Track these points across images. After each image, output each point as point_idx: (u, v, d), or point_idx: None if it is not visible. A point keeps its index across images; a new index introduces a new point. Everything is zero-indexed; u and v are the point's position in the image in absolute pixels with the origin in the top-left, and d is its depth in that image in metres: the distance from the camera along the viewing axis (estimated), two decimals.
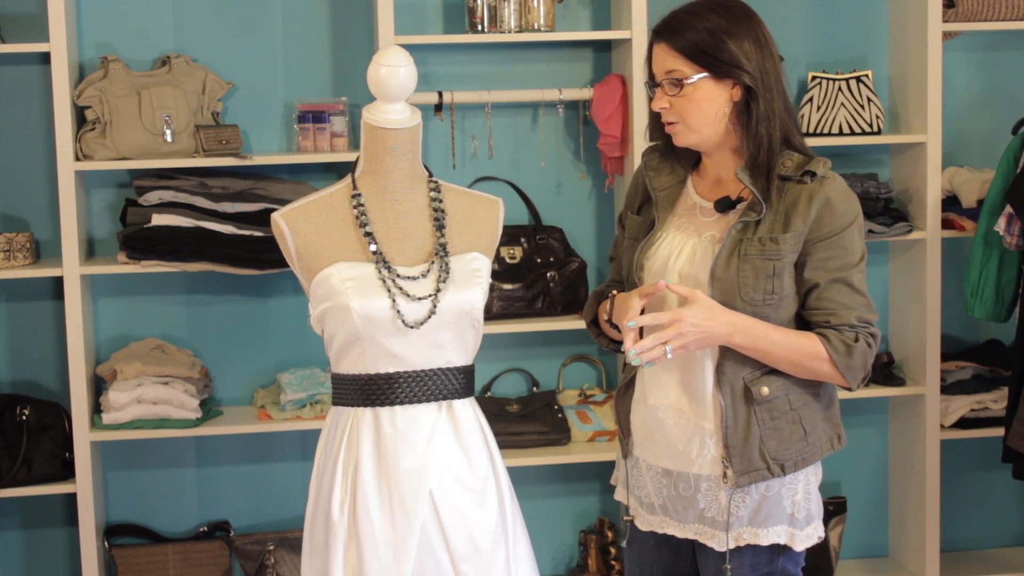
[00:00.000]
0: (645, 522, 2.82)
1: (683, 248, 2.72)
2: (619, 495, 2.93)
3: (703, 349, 2.66)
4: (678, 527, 2.76)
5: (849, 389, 2.70)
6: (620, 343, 2.82)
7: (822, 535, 2.76)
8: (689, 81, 2.64)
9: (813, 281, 2.65)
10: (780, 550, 2.72)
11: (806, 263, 2.65)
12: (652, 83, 2.71)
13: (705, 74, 2.63)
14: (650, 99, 2.74)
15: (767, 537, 2.69)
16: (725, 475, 2.66)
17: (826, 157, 2.71)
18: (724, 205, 2.70)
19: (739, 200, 2.69)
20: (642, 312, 2.66)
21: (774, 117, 2.66)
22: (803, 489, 2.72)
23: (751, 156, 2.66)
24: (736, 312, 2.62)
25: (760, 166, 2.65)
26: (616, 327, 2.77)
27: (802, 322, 2.70)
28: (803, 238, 2.63)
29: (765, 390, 2.65)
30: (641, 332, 2.67)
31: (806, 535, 2.72)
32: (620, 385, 2.85)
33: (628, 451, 2.86)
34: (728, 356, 2.66)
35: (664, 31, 2.67)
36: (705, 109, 2.65)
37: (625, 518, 2.89)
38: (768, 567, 2.72)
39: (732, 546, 2.69)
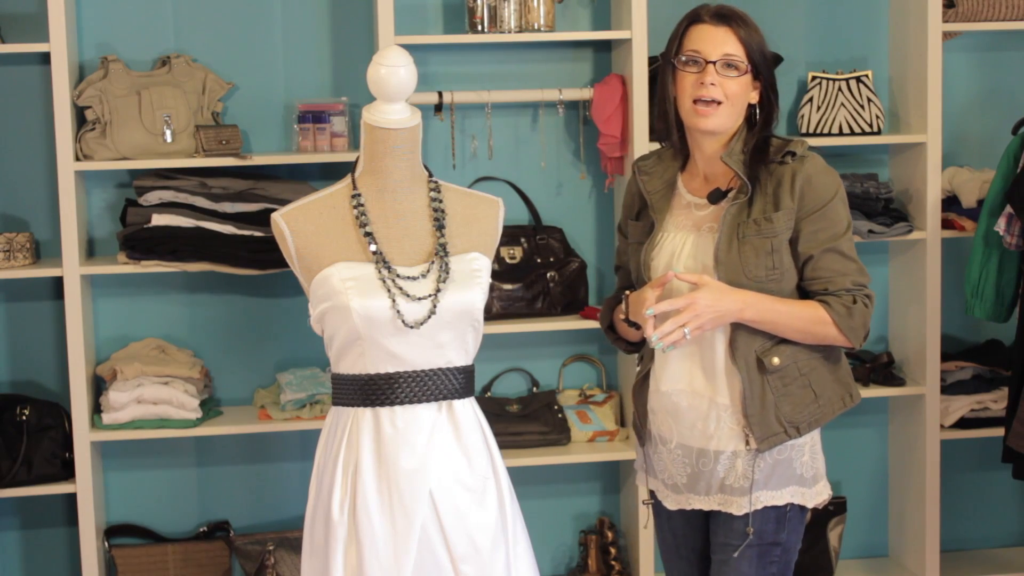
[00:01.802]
0: (673, 501, 2.99)
1: (685, 243, 2.90)
2: (639, 480, 3.09)
3: (717, 327, 2.83)
4: (703, 500, 2.93)
5: (853, 349, 2.89)
6: (637, 344, 3.04)
7: (830, 494, 2.98)
8: (743, 71, 2.85)
9: (807, 253, 2.86)
10: (786, 519, 2.90)
11: (798, 238, 2.86)
12: (696, 60, 2.84)
13: (752, 71, 2.87)
14: (673, 75, 2.89)
15: (781, 498, 2.89)
16: (748, 442, 2.85)
17: (820, 154, 2.91)
18: (717, 196, 2.89)
19: (729, 190, 2.88)
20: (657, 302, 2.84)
21: (773, 125, 2.93)
22: (809, 451, 2.92)
23: (755, 147, 2.88)
24: (743, 290, 2.81)
25: (757, 155, 2.87)
26: (634, 325, 2.93)
27: (803, 294, 2.91)
28: (794, 215, 2.82)
29: (776, 360, 2.84)
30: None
31: (815, 492, 2.94)
32: (637, 379, 3.01)
33: (646, 438, 3.00)
34: (739, 333, 2.83)
35: (729, 18, 2.87)
36: (741, 100, 2.88)
37: (645, 501, 3.09)
38: (774, 536, 2.89)
39: (747, 510, 2.85)
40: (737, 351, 2.84)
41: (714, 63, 2.84)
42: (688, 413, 2.89)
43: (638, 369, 3.04)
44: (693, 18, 2.90)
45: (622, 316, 2.94)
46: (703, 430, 2.88)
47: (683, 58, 2.88)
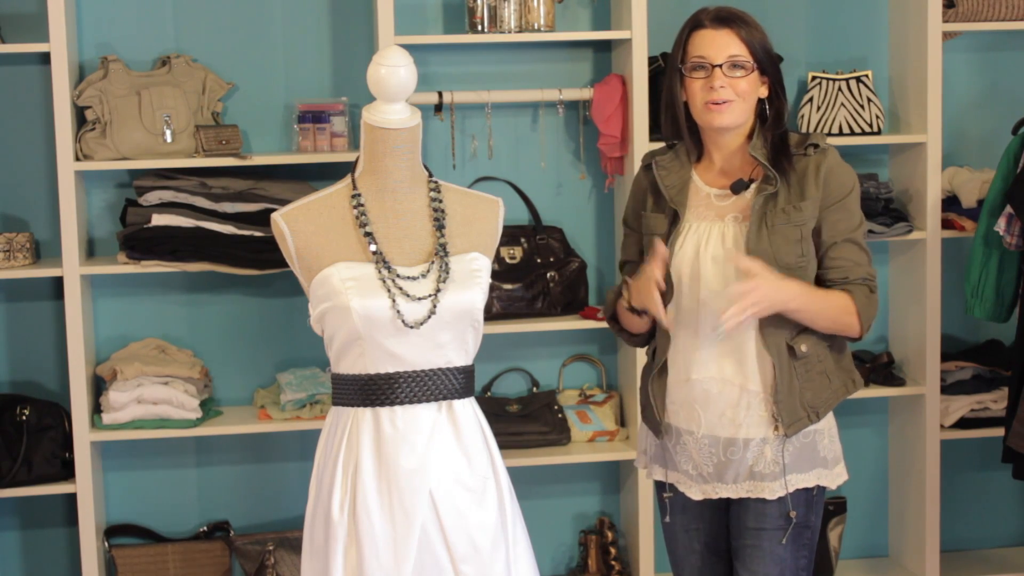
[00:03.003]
0: (699, 491, 3.01)
1: (709, 233, 2.94)
2: (657, 474, 3.10)
3: (764, 315, 2.86)
4: (731, 488, 2.97)
5: (858, 340, 2.97)
6: (639, 336, 3.06)
7: (846, 476, 3.06)
8: (750, 70, 2.91)
9: (828, 242, 2.95)
10: (813, 501, 2.98)
11: (820, 227, 2.94)
12: (703, 65, 2.91)
13: (758, 69, 2.93)
14: (682, 81, 2.96)
15: (809, 480, 2.97)
16: (777, 427, 2.92)
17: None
18: (740, 186, 2.95)
19: (752, 181, 2.94)
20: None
21: (786, 117, 3.00)
22: (828, 434, 3.02)
23: (773, 142, 2.95)
24: (789, 280, 2.86)
25: (777, 147, 2.95)
26: (636, 312, 2.94)
27: (817, 282, 2.98)
28: (819, 203, 2.90)
29: (803, 347, 2.93)
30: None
31: (836, 474, 3.03)
32: (654, 370, 3.01)
33: (664, 429, 3.01)
34: (768, 323, 2.90)
35: (729, 20, 2.94)
36: (751, 97, 2.94)
37: (665, 495, 3.08)
38: (805, 518, 2.96)
39: (782, 493, 2.93)
40: (768, 338, 2.90)
41: (720, 66, 2.90)
42: (718, 401, 2.93)
43: (650, 361, 3.05)
44: (694, 24, 2.96)
45: (626, 305, 2.96)
46: (732, 418, 2.93)
47: (690, 64, 2.93)
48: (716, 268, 2.91)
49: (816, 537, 3.02)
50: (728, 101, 2.90)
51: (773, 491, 2.93)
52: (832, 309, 2.90)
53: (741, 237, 2.91)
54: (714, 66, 2.90)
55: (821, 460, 2.98)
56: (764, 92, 2.97)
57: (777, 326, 2.90)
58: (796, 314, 2.88)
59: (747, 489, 2.95)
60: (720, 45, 2.91)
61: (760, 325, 2.90)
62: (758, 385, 2.92)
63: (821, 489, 3.00)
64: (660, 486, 3.10)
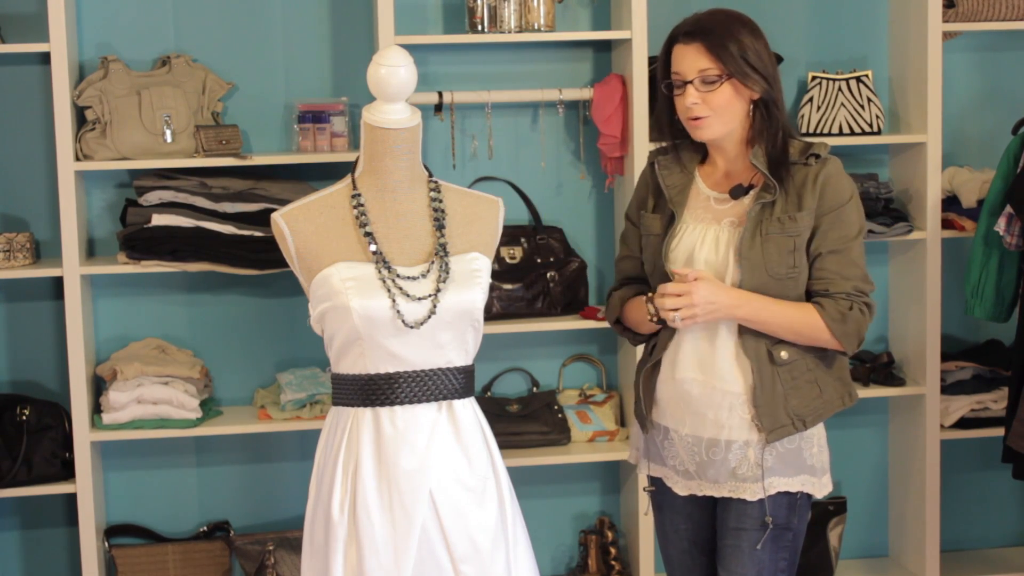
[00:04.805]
0: (684, 487, 3.03)
1: (705, 235, 2.95)
2: (640, 468, 3.12)
3: (710, 321, 2.88)
4: (714, 487, 2.98)
5: (844, 353, 2.95)
6: (644, 336, 3.08)
7: (831, 487, 3.04)
8: (722, 80, 2.88)
9: (816, 252, 2.92)
10: (797, 505, 2.97)
11: (811, 237, 2.92)
12: (679, 82, 2.92)
13: (735, 76, 2.88)
14: (666, 98, 2.98)
15: (793, 484, 2.95)
16: (759, 432, 2.91)
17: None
18: (739, 192, 2.95)
19: (751, 187, 2.93)
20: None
21: (783, 114, 2.96)
22: (817, 443, 3.00)
23: (769, 148, 2.93)
24: (738, 289, 2.86)
25: (777, 155, 2.93)
26: (661, 321, 2.96)
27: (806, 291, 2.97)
28: (815, 214, 2.88)
29: (784, 354, 2.90)
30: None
31: (823, 483, 3.01)
32: (647, 366, 3.02)
33: (650, 425, 3.03)
34: (748, 327, 2.89)
35: (697, 34, 2.90)
36: (732, 106, 2.91)
37: (647, 488, 3.12)
38: (786, 521, 2.97)
39: (762, 495, 2.93)
40: (747, 342, 2.89)
41: (691, 82, 2.89)
42: (700, 402, 2.93)
43: (644, 357, 3.06)
44: (672, 38, 2.95)
45: (650, 318, 2.94)
46: (715, 419, 2.93)
47: (669, 82, 2.95)
48: (709, 270, 2.91)
49: (800, 540, 3.01)
50: (704, 116, 2.90)
51: (754, 492, 2.93)
52: (791, 321, 2.87)
53: (735, 242, 2.90)
54: (686, 83, 2.90)
55: (808, 468, 2.97)
56: (755, 94, 2.92)
57: (755, 332, 2.89)
58: (749, 324, 2.88)
59: (729, 489, 2.96)
60: (690, 61, 2.89)
61: (740, 328, 2.90)
62: (739, 388, 2.91)
63: (806, 495, 2.99)
64: (648, 481, 3.12)
